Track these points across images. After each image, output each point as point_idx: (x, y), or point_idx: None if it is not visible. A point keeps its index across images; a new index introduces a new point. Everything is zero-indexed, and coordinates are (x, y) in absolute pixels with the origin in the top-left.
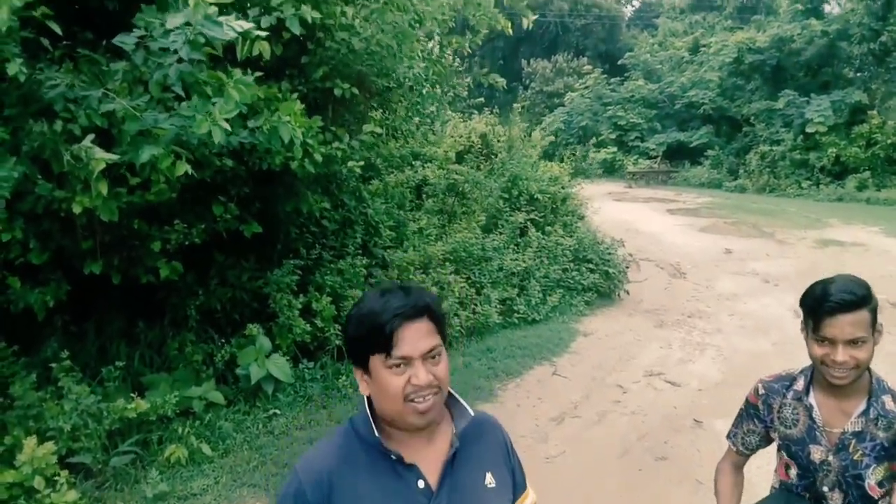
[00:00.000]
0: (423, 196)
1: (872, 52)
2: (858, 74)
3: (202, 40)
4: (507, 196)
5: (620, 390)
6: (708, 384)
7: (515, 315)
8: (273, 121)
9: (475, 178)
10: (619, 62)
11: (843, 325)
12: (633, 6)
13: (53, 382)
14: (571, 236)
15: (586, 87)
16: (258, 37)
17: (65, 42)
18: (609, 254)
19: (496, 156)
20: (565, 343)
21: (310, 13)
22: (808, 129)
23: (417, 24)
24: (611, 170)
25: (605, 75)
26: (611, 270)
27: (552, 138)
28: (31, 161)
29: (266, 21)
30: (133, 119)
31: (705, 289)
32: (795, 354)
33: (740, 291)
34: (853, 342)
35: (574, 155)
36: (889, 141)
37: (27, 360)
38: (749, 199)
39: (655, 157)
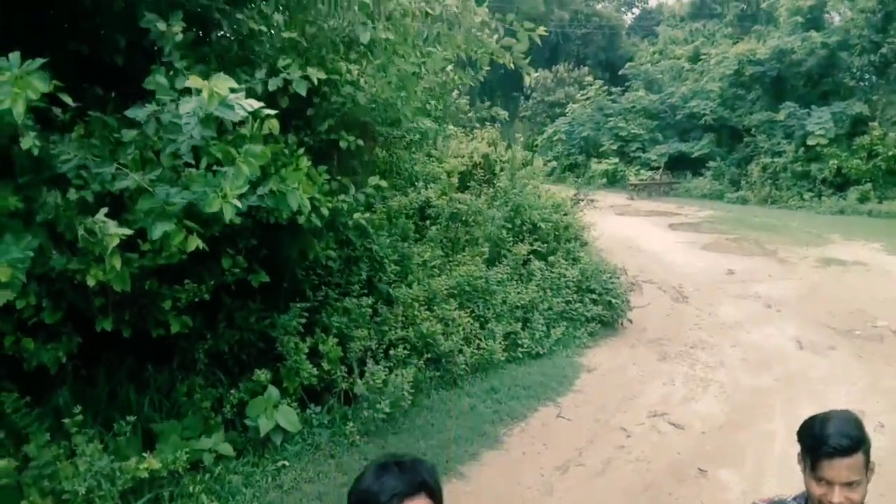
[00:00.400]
0: (427, 220)
1: (873, 63)
2: (860, 84)
3: (213, 116)
4: (509, 226)
5: (624, 434)
6: (711, 426)
7: (520, 350)
8: (282, 187)
9: (477, 208)
10: (620, 72)
11: (840, 469)
12: (633, 13)
13: (66, 436)
14: (574, 265)
15: (587, 98)
16: (268, 115)
17: (75, 103)
18: (612, 282)
19: (497, 176)
20: (569, 380)
21: (315, 74)
22: (810, 142)
23: (421, 72)
24: (613, 180)
25: (606, 86)
26: (613, 300)
27: (554, 164)
28: (45, 231)
29: (273, 83)
30: (147, 196)
31: (708, 315)
32: (796, 394)
33: (743, 318)
34: (849, 484)
35: (577, 179)
36: (890, 153)
37: (40, 412)
38: (751, 212)
39: (657, 167)
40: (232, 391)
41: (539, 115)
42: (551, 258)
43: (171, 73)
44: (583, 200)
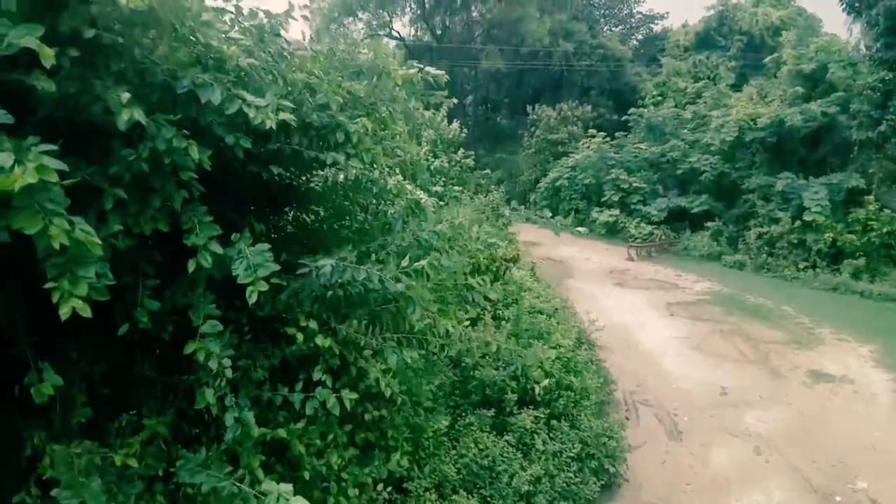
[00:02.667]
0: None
1: (871, 139)
2: (858, 152)
3: None
4: (513, 386)
5: None
6: None
7: None
8: None
9: (484, 370)
10: (623, 118)
11: None
12: (636, 42)
13: None
14: (577, 429)
15: (589, 148)
16: None
17: None
18: (614, 441)
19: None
20: None
21: None
22: (806, 217)
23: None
24: (613, 231)
25: (611, 114)
26: (611, 468)
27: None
28: None
29: None
30: None
31: (700, 465)
32: None
33: (733, 473)
34: None
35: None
36: (885, 229)
37: None
38: (747, 284)
39: (657, 222)
40: None
41: (542, 152)
42: (554, 422)
43: None
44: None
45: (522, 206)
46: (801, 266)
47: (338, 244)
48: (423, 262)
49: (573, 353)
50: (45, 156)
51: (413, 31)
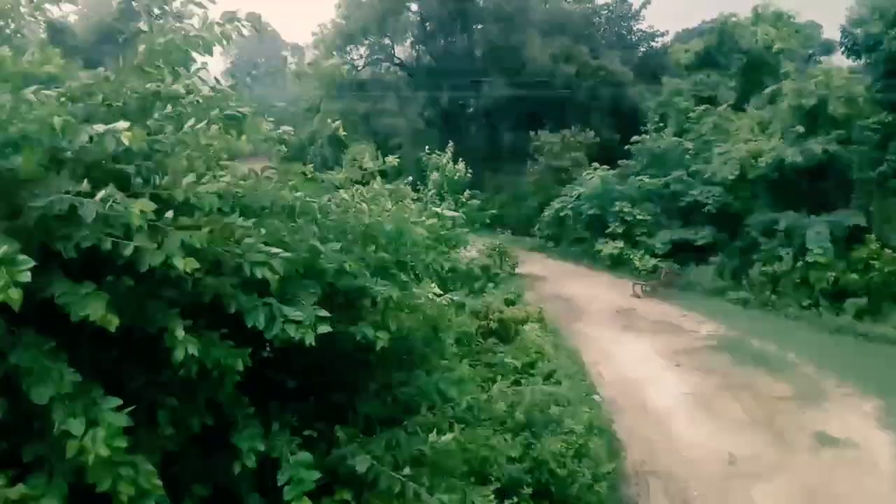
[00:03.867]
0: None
1: (871, 178)
2: (859, 190)
3: None
4: (527, 480)
5: None
6: None
7: None
8: None
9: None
10: (626, 147)
11: None
12: (637, 59)
13: None
14: None
15: (593, 179)
16: None
17: None
18: None
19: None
20: None
21: None
22: (808, 259)
23: None
24: (618, 262)
25: (610, 169)
26: None
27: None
28: None
29: None
30: None
31: None
32: None
33: None
34: None
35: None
36: (887, 269)
37: None
38: (752, 327)
39: (662, 255)
40: None
41: (546, 178)
42: None
43: None
44: None
45: (527, 236)
46: (804, 304)
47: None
48: (449, 437)
49: (586, 439)
50: (112, 413)
51: (414, 54)
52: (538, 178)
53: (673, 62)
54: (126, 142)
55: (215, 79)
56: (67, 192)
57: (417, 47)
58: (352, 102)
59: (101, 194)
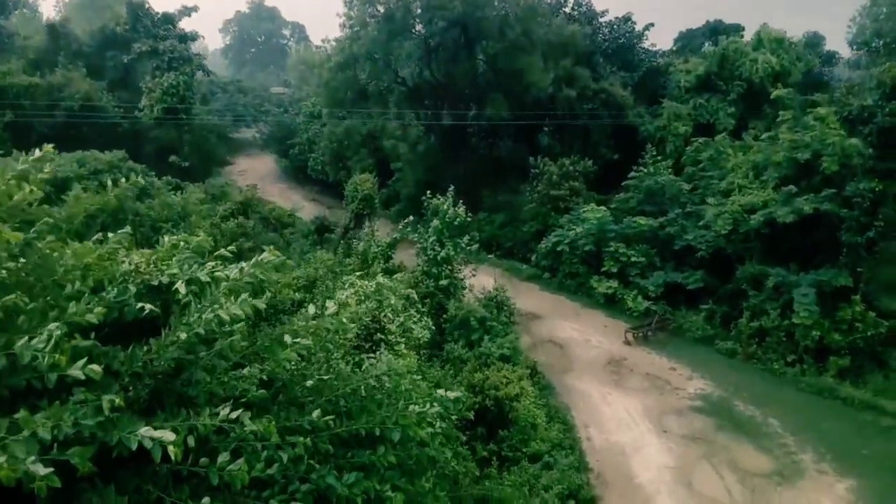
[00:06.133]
0: None
1: (860, 243)
2: (847, 253)
3: None
4: None
5: None
6: None
7: None
8: None
9: None
10: (623, 183)
11: None
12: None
13: None
14: None
15: (589, 219)
16: None
17: None
18: None
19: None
20: None
21: None
22: (795, 320)
23: None
24: (612, 301)
25: (607, 198)
26: None
27: None
28: None
29: None
30: None
31: None
32: None
33: None
34: None
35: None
36: (870, 332)
37: None
38: (738, 383)
39: (654, 297)
40: None
41: (545, 206)
42: None
43: None
44: None
45: (524, 262)
46: (789, 359)
47: None
48: None
49: None
50: None
51: (417, 74)
52: (536, 207)
53: (673, 83)
54: None
55: None
56: None
57: (421, 68)
58: (355, 123)
59: None
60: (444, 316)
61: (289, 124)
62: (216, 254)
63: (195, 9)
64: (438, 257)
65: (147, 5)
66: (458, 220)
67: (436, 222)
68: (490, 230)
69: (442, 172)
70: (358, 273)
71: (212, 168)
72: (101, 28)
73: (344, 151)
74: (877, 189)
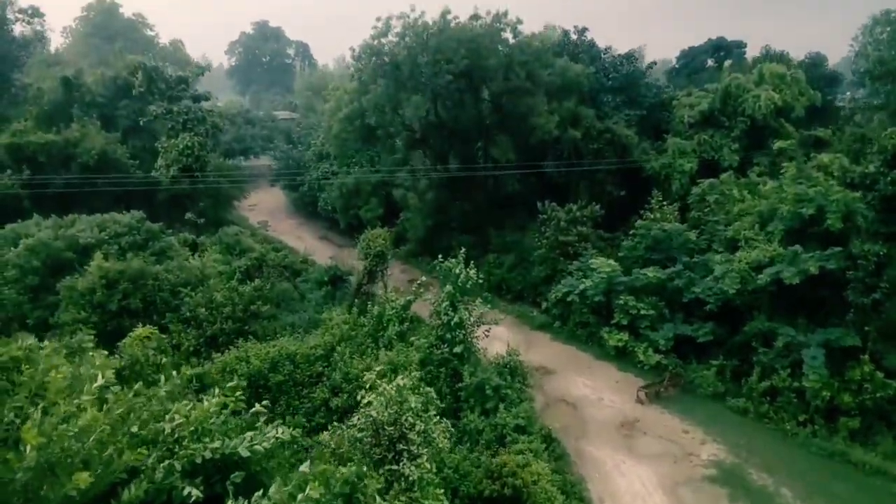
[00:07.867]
0: None
1: (865, 304)
2: (854, 313)
3: None
4: None
5: None
6: None
7: None
8: None
9: None
10: (631, 232)
11: None
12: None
13: None
14: None
15: (597, 270)
16: None
17: None
18: None
19: None
20: None
21: None
22: (805, 383)
23: None
24: (623, 353)
25: (616, 262)
26: None
27: None
28: None
29: None
30: None
31: None
32: None
33: None
34: None
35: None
36: (878, 393)
37: None
38: (751, 448)
39: (665, 351)
40: None
41: (553, 251)
42: None
43: None
44: None
45: (534, 307)
46: (800, 418)
47: None
48: None
49: None
50: None
51: (423, 117)
52: (545, 252)
53: (677, 118)
54: None
55: None
56: None
57: (428, 111)
58: (364, 174)
59: None
60: (459, 384)
61: (298, 158)
62: (252, 411)
63: (209, 68)
64: (452, 322)
65: (161, 68)
66: (470, 283)
67: (448, 287)
68: (500, 273)
69: (449, 212)
70: (378, 354)
71: (225, 217)
72: (113, 78)
73: (354, 200)
74: (881, 252)
